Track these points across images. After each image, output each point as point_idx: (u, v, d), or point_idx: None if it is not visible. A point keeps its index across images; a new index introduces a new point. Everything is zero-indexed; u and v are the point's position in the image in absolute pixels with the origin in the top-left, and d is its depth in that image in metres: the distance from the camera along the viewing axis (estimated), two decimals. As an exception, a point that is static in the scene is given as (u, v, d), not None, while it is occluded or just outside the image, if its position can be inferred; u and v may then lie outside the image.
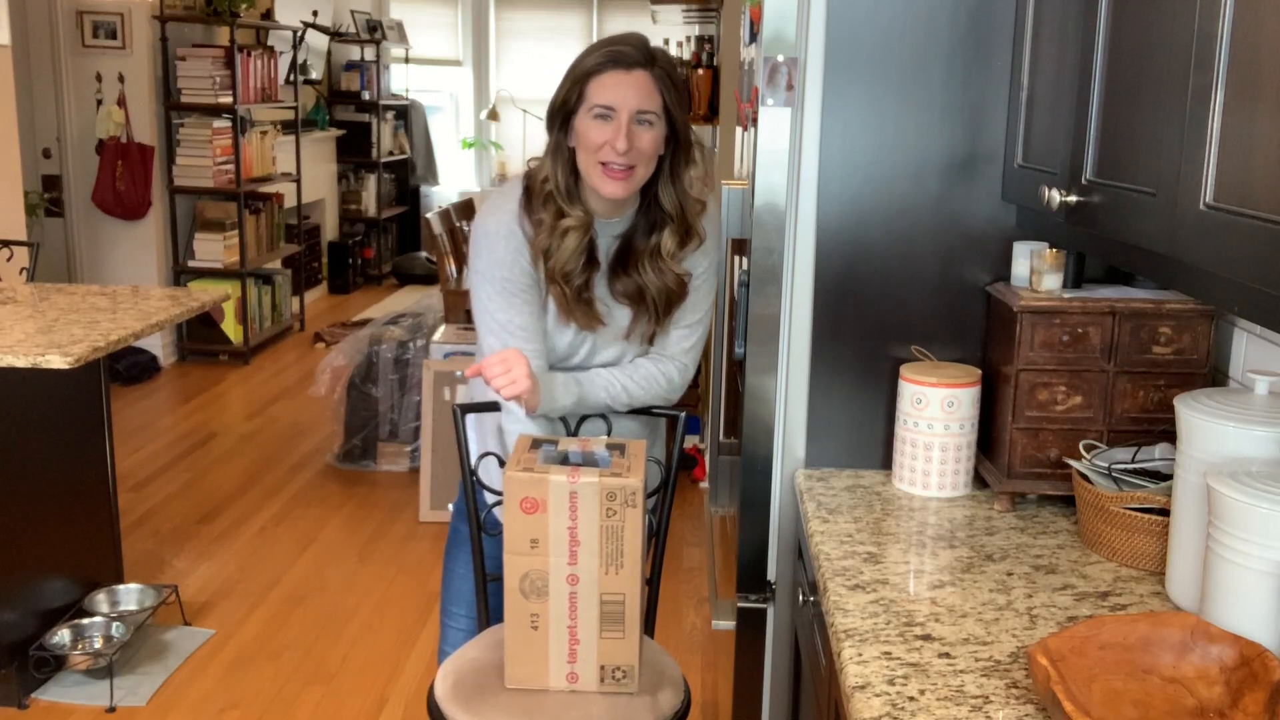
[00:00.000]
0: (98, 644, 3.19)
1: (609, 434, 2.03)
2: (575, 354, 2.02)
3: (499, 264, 1.94)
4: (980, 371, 1.91)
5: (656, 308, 1.99)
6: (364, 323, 6.19)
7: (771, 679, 2.17)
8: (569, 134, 1.92)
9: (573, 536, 1.73)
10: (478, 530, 2.04)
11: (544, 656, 1.79)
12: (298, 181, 7.52)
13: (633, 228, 1.99)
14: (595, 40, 1.91)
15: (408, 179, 9.72)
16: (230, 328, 6.62)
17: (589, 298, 1.96)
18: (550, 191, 1.93)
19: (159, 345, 6.41)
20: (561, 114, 1.91)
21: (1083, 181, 1.49)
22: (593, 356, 2.03)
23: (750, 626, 2.14)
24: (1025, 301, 1.78)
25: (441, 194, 9.85)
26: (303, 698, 3.13)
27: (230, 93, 6.41)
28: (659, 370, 2.05)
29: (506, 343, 1.93)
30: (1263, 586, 1.27)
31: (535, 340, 1.95)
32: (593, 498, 1.71)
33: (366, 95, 8.91)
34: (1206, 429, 1.43)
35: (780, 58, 1.90)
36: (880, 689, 1.29)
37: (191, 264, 6.56)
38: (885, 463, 2.00)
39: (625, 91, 1.86)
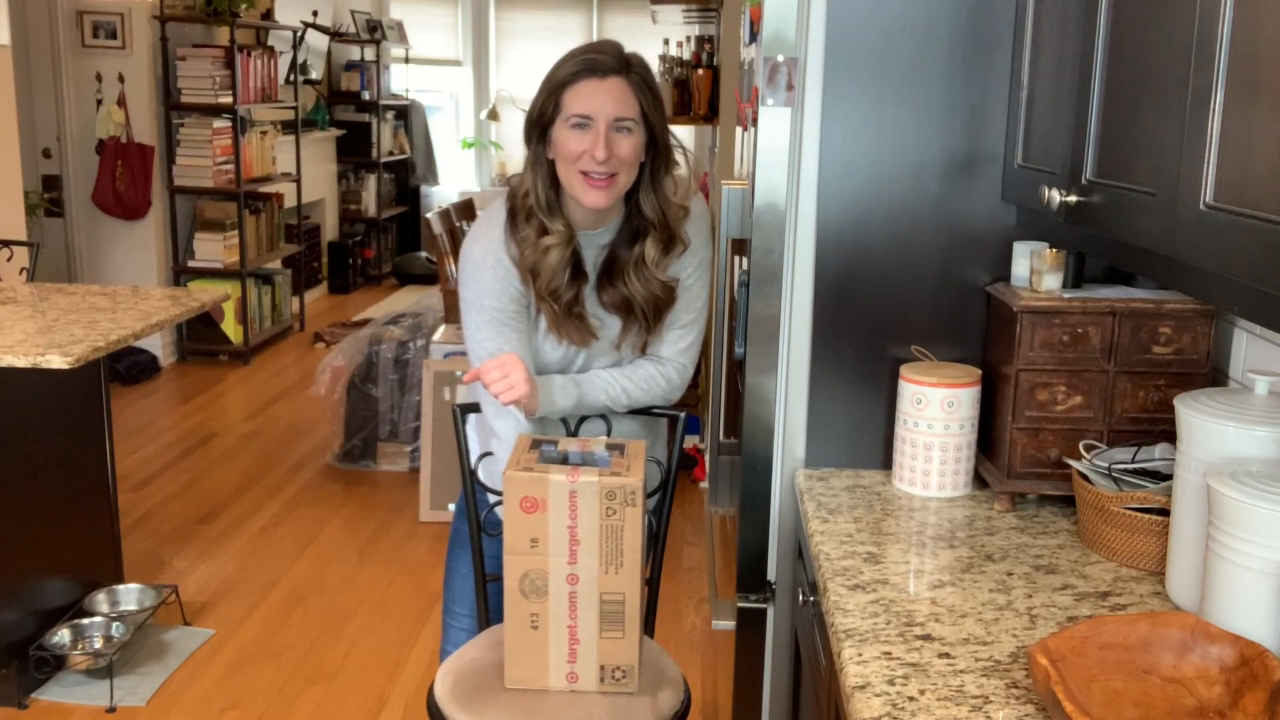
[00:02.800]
0: (98, 644, 3.19)
1: (609, 434, 2.03)
2: (570, 366, 2.02)
3: (486, 293, 1.93)
4: (980, 371, 1.91)
5: (646, 316, 1.98)
6: (364, 323, 6.19)
7: (771, 679, 2.17)
8: (547, 145, 1.91)
9: (572, 536, 1.73)
10: (478, 530, 2.04)
11: (544, 656, 1.79)
12: (298, 181, 7.52)
13: (617, 238, 1.98)
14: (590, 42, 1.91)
15: (408, 179, 9.72)
16: (230, 328, 6.62)
17: (580, 312, 1.95)
18: (531, 206, 1.92)
19: (159, 345, 6.41)
20: (539, 126, 1.90)
21: (1083, 181, 1.50)
22: (587, 368, 2.03)
23: (750, 626, 2.14)
24: (1025, 301, 1.78)
25: (441, 194, 9.85)
26: (303, 698, 3.13)
27: (230, 93, 6.41)
28: (658, 371, 2.04)
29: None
30: (1263, 586, 1.27)
31: (529, 365, 1.93)
32: (592, 497, 1.71)
33: (366, 95, 8.91)
34: (1206, 429, 1.43)
35: (780, 58, 1.90)
36: (880, 689, 1.29)
37: (191, 264, 6.56)
38: (885, 463, 2.00)
39: (601, 99, 1.84)
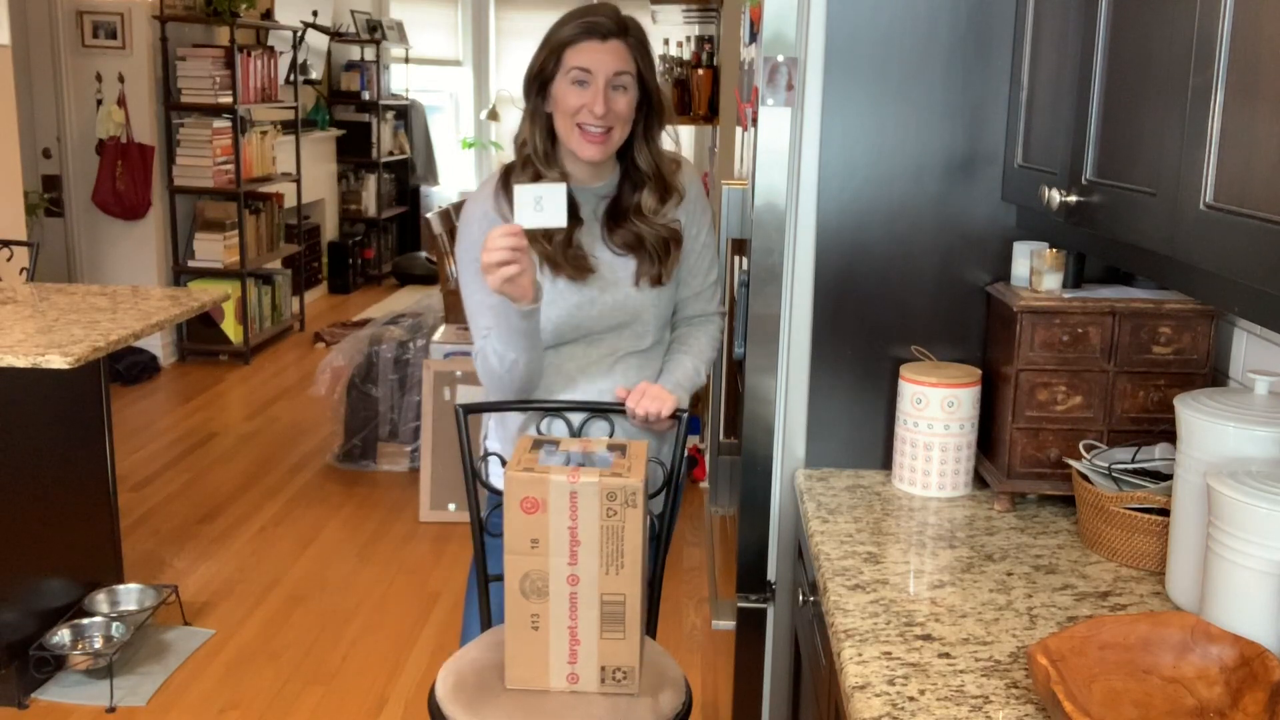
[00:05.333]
0: (98, 644, 3.19)
1: (611, 434, 2.03)
2: (587, 314, 2.02)
3: (474, 245, 1.99)
4: (980, 371, 1.91)
5: (657, 252, 2.05)
6: (364, 323, 6.19)
7: (771, 679, 2.17)
8: (546, 100, 1.99)
9: (573, 536, 1.73)
10: (479, 530, 2.05)
11: (544, 657, 1.79)
12: (298, 181, 7.52)
13: (617, 190, 2.06)
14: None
15: (408, 179, 9.72)
16: (230, 328, 6.62)
17: (575, 253, 2.01)
18: (529, 155, 2.01)
19: (159, 345, 6.41)
20: (538, 81, 1.99)
21: (1083, 181, 1.50)
22: (606, 308, 2.03)
23: (750, 626, 2.14)
24: (1025, 301, 1.78)
25: (441, 194, 9.85)
26: (303, 698, 3.13)
27: (230, 93, 6.41)
28: (706, 334, 2.16)
29: (484, 320, 2.00)
30: (1263, 586, 1.27)
31: None
32: (593, 498, 1.71)
33: (366, 95, 8.91)
34: (1206, 429, 1.43)
35: (780, 58, 1.90)
36: (880, 689, 1.29)
37: (191, 264, 6.56)
38: (885, 463, 2.00)
39: (601, 57, 1.94)
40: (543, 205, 1.80)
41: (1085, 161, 1.49)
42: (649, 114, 2.02)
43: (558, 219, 1.81)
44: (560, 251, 1.99)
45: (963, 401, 1.85)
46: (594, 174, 2.03)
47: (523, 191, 1.81)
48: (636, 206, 2.04)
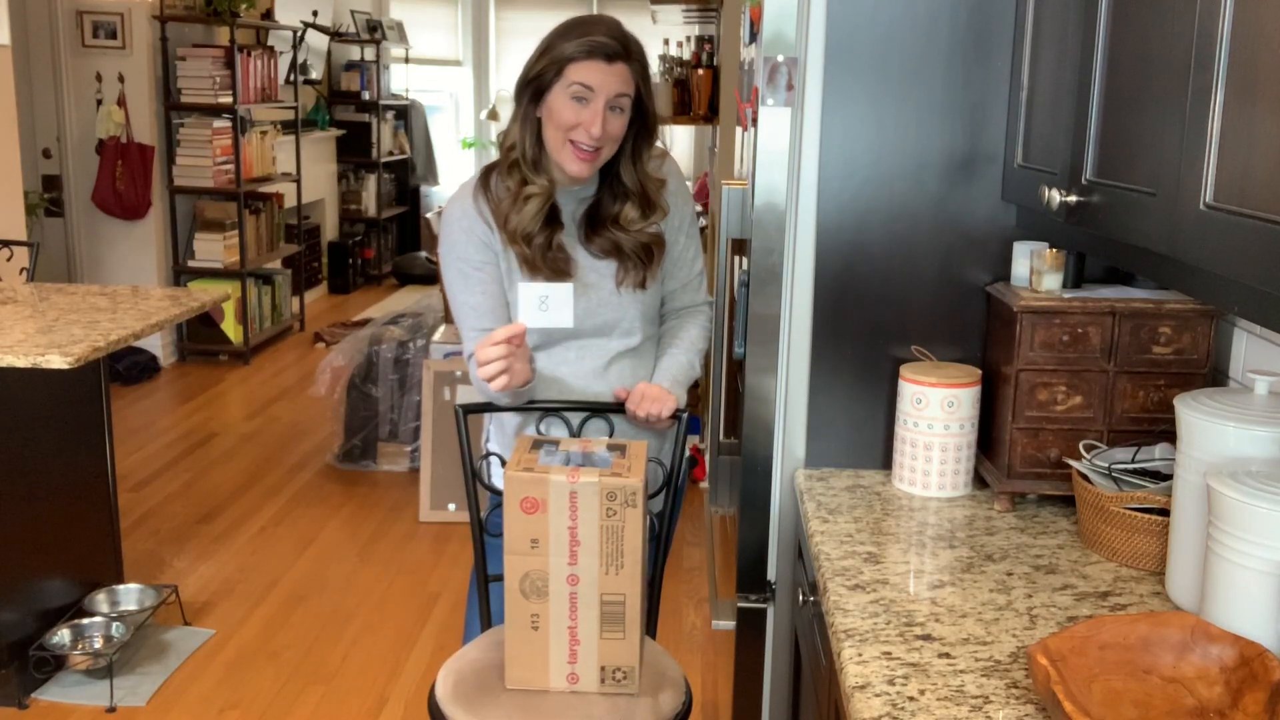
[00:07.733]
0: (98, 644, 3.19)
1: (611, 435, 2.03)
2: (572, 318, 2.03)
3: (454, 245, 2.02)
4: (980, 371, 1.91)
5: (638, 257, 2.05)
6: (364, 323, 6.19)
7: (771, 679, 2.17)
8: (539, 106, 1.97)
9: (573, 536, 1.73)
10: (479, 530, 2.05)
11: (544, 657, 1.79)
12: (298, 181, 7.52)
13: (599, 195, 2.05)
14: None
15: (408, 179, 9.72)
16: (230, 328, 6.62)
17: (554, 256, 2.00)
18: (516, 160, 1.99)
19: (159, 345, 6.41)
20: (535, 87, 1.96)
21: (1083, 181, 1.50)
22: (591, 313, 2.03)
23: (750, 626, 2.14)
24: (1025, 301, 1.78)
25: (441, 194, 9.86)
26: (303, 698, 3.13)
27: (230, 93, 6.41)
28: (697, 326, 2.17)
29: (469, 320, 2.01)
30: (1263, 586, 1.27)
31: (497, 316, 2.00)
32: (593, 498, 1.71)
33: (366, 95, 8.91)
34: (1206, 429, 1.43)
35: (780, 58, 1.90)
36: (880, 689, 1.29)
37: (191, 264, 6.56)
38: (885, 463, 2.00)
39: (606, 77, 1.92)
40: (548, 305, 1.81)
41: (1085, 161, 1.49)
42: (640, 133, 2.01)
43: (563, 319, 1.82)
44: (540, 254, 1.98)
45: (963, 401, 1.85)
46: (576, 178, 2.02)
47: (528, 290, 1.82)
48: (616, 217, 2.02)
